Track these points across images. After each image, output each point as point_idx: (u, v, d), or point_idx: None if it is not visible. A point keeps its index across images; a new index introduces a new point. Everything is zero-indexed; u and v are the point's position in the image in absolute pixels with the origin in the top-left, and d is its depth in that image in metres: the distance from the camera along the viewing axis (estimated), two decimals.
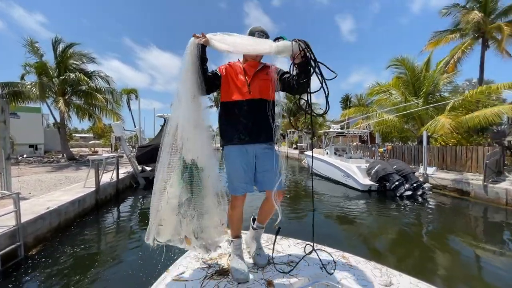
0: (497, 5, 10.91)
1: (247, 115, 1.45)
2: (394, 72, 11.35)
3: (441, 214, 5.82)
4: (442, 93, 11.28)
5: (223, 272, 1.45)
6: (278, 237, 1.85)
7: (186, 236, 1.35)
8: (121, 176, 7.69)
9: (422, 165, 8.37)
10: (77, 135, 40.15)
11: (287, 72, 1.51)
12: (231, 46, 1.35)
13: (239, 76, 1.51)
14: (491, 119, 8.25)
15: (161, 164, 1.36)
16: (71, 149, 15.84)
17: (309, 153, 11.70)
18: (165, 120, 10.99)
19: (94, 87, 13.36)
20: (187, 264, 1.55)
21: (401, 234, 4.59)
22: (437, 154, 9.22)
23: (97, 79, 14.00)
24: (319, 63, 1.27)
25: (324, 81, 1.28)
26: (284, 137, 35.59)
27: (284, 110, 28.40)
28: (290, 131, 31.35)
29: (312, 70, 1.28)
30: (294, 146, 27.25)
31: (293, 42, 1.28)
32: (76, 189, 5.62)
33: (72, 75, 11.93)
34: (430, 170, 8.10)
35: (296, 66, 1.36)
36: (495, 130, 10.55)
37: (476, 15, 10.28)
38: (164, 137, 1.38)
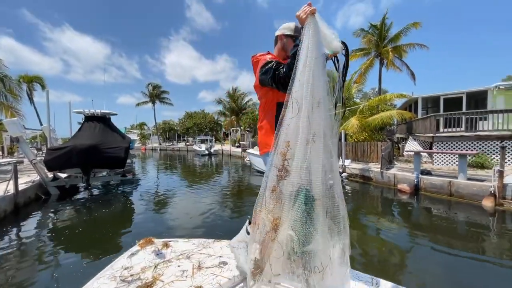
0: (388, 33, 14.27)
1: None
2: None
3: (354, 196, 7.22)
4: (355, 99, 13.88)
5: (146, 287, 1.33)
6: (210, 240, 1.83)
7: None
8: (22, 186, 6.14)
9: (341, 158, 10.09)
10: None
11: None
12: (326, 38, 1.10)
13: None
14: (386, 120, 10.74)
15: (264, 197, 1.01)
16: None
17: (251, 151, 12.24)
18: (85, 117, 9.36)
19: None
20: (100, 286, 1.35)
21: None
22: (352, 149, 11.27)
23: None
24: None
25: (344, 79, 1.40)
26: (227, 136, 35.78)
27: (226, 109, 28.56)
28: (233, 130, 31.73)
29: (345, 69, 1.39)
30: (237, 144, 27.76)
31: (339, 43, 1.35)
32: None
33: None
34: (347, 162, 9.89)
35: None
36: (388, 129, 13.75)
37: (374, 40, 13.14)
38: (273, 156, 1.07)
